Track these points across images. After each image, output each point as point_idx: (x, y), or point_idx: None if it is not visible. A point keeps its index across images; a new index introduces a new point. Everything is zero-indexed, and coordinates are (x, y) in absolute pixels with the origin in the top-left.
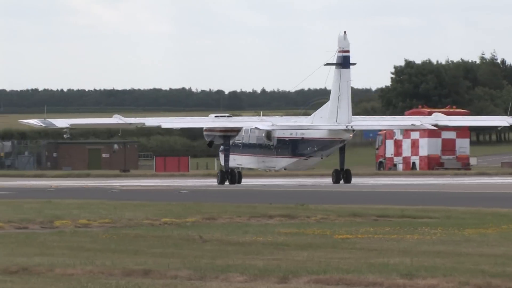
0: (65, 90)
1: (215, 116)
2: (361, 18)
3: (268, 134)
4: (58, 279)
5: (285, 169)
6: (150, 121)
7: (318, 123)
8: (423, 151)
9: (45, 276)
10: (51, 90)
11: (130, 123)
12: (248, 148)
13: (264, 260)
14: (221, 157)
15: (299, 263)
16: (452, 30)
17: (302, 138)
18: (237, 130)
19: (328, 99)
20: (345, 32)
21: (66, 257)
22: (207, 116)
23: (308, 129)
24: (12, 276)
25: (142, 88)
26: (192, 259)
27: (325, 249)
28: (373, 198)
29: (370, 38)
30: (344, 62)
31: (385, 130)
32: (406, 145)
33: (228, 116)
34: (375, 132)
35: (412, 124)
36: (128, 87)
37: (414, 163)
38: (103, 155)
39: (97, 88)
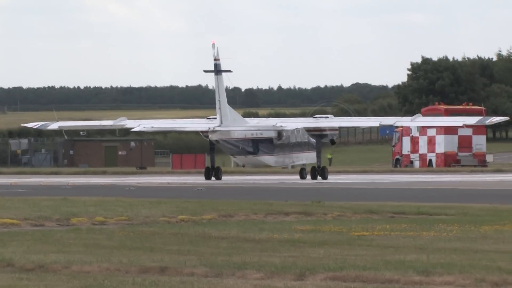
0: (81, 87)
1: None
2: (378, 15)
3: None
4: (75, 277)
5: None
6: (131, 123)
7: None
8: (440, 148)
9: (61, 273)
10: (68, 88)
11: (111, 125)
12: None
13: (280, 257)
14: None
15: (315, 260)
16: (469, 27)
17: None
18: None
19: (343, 97)
20: (213, 43)
21: (83, 255)
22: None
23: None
24: (28, 273)
25: (158, 86)
26: (208, 256)
27: (341, 246)
28: (390, 195)
29: (387, 35)
30: (216, 70)
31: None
32: (423, 142)
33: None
34: (392, 129)
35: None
36: (144, 85)
37: (430, 160)
38: (120, 153)
39: (114, 86)
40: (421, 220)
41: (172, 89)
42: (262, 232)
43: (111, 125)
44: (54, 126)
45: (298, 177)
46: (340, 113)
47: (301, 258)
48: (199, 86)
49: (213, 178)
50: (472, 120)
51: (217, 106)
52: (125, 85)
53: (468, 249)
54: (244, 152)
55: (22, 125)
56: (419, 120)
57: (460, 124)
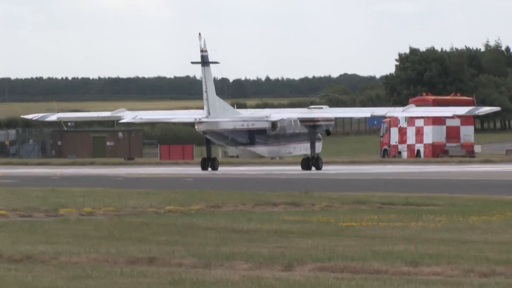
0: (69, 78)
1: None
2: (366, 5)
3: None
4: (63, 267)
5: None
6: (128, 114)
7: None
8: (428, 138)
9: (49, 264)
10: (56, 79)
11: (109, 116)
12: None
13: (268, 248)
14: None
15: (303, 251)
16: (456, 18)
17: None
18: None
19: (331, 87)
20: (200, 33)
21: (71, 245)
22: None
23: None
24: (16, 264)
25: (146, 76)
26: (196, 247)
27: (329, 236)
28: (378, 186)
29: (375, 26)
30: (204, 61)
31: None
32: (411, 132)
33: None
34: (380, 120)
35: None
36: (132, 75)
37: (418, 151)
38: (108, 143)
39: (102, 76)
40: (409, 210)
41: (160, 79)
42: (250, 223)
43: (109, 116)
44: (53, 117)
45: (296, 167)
46: (329, 103)
47: (289, 248)
48: (187, 77)
49: (209, 168)
50: (462, 110)
51: (204, 97)
52: (113, 75)
53: (456, 239)
54: (234, 143)
55: (22, 116)
56: (411, 111)
57: (450, 114)
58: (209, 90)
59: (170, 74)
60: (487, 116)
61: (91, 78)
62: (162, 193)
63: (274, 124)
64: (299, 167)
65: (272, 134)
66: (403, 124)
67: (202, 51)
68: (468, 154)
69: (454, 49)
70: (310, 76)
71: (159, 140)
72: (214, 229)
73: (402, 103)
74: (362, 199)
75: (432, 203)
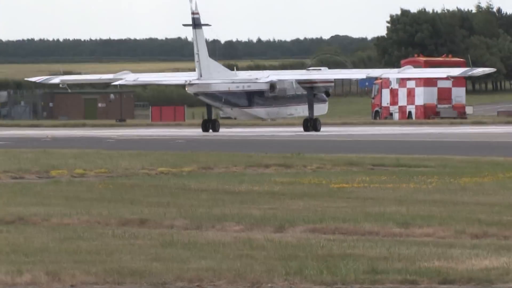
0: (60, 40)
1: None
2: None
3: None
4: (54, 229)
5: None
6: (130, 76)
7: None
8: (419, 100)
9: (41, 226)
10: (47, 40)
11: (110, 79)
12: None
13: (260, 210)
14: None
15: (295, 212)
16: None
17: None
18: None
19: (322, 48)
20: None
21: (62, 207)
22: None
23: None
24: (8, 225)
25: (138, 38)
26: (188, 209)
27: (321, 198)
28: (369, 147)
29: None
30: (195, 24)
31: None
32: (402, 94)
33: None
34: (371, 81)
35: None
36: (124, 37)
37: (410, 112)
38: (99, 105)
39: (93, 38)
40: (401, 172)
41: (152, 41)
42: (242, 184)
43: (111, 79)
44: (56, 80)
45: (299, 128)
46: (320, 64)
47: (281, 210)
48: (179, 38)
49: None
50: (457, 71)
51: (196, 59)
52: (105, 37)
53: (447, 201)
54: (230, 104)
55: (25, 79)
56: (406, 72)
57: (445, 75)
58: (201, 52)
59: (161, 36)
60: (478, 78)
61: (82, 39)
62: (153, 154)
63: (272, 85)
64: (301, 128)
65: (271, 95)
66: (394, 85)
67: (193, 13)
68: (460, 115)
69: (446, 11)
70: (302, 38)
71: (151, 101)
72: (205, 191)
73: (394, 64)
74: (353, 160)
75: (423, 164)
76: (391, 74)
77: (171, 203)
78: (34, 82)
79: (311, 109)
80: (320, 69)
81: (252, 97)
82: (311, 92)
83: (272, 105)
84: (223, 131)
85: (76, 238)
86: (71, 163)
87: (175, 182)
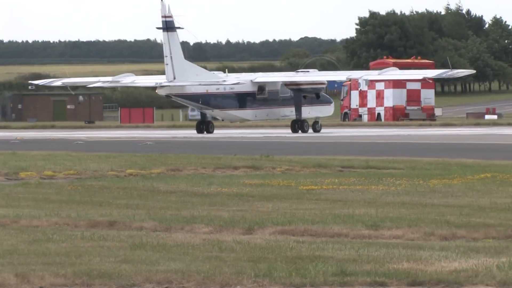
0: (30, 41)
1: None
2: None
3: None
4: (23, 231)
5: None
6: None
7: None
8: (388, 102)
9: (10, 227)
10: (16, 42)
11: (110, 81)
12: None
13: (229, 211)
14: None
15: (264, 214)
16: None
17: None
18: None
19: (291, 50)
20: (161, 0)
21: (31, 209)
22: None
23: None
24: None
25: (106, 40)
26: (157, 211)
27: (290, 200)
28: (338, 149)
29: None
30: (168, 27)
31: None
32: (371, 96)
33: None
34: (340, 83)
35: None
36: (92, 39)
37: (379, 114)
38: (68, 107)
39: (62, 40)
40: (370, 174)
41: (121, 43)
42: (211, 186)
43: (110, 81)
44: (58, 82)
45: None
46: (289, 66)
47: (250, 212)
48: (148, 40)
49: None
50: (434, 73)
51: (165, 62)
52: (73, 39)
53: (416, 203)
54: (208, 106)
55: (29, 81)
56: (387, 74)
57: (421, 77)
58: (176, 54)
59: (130, 37)
60: (447, 79)
61: (51, 41)
62: (122, 156)
63: (261, 87)
64: (289, 130)
65: (260, 97)
66: (363, 87)
67: (165, 16)
68: (429, 117)
69: (414, 12)
70: (271, 40)
71: (120, 103)
72: (174, 193)
73: (362, 66)
74: (322, 162)
75: (392, 166)
76: (372, 76)
77: (140, 205)
78: (3, 84)
79: (298, 111)
80: (308, 71)
81: (235, 99)
82: (298, 94)
83: (261, 107)
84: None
85: (45, 240)
86: (40, 165)
87: (144, 184)
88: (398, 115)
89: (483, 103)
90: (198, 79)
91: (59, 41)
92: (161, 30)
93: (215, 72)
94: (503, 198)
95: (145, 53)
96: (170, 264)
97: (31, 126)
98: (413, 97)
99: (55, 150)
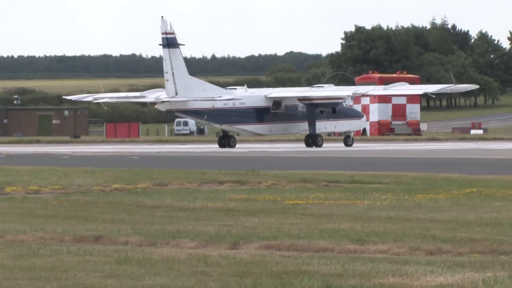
0: (15, 56)
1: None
2: None
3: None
4: (9, 246)
5: None
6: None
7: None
8: (374, 116)
9: None
10: (1, 57)
11: (136, 96)
12: None
13: (214, 226)
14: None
15: (249, 229)
16: None
17: None
18: None
19: (277, 65)
20: (162, 17)
21: (17, 224)
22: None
23: None
24: None
25: (92, 54)
26: (142, 225)
27: (275, 214)
28: (324, 164)
29: (321, 4)
30: (170, 43)
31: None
32: None
33: None
34: None
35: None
36: (78, 53)
37: (364, 129)
38: (54, 121)
39: (47, 54)
40: (355, 188)
41: (106, 57)
42: (197, 201)
43: (136, 96)
44: (90, 98)
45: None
46: (275, 82)
47: (236, 227)
48: (133, 55)
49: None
50: (435, 87)
51: (166, 78)
52: (59, 54)
53: (402, 217)
54: (215, 121)
55: (63, 97)
56: (392, 89)
57: (421, 92)
58: (179, 70)
59: (116, 52)
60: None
61: (37, 56)
62: (108, 171)
63: (276, 102)
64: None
65: (275, 112)
66: (349, 102)
67: (166, 33)
68: (414, 132)
69: (400, 27)
70: (256, 54)
71: (105, 118)
72: (160, 207)
73: (348, 81)
74: (308, 177)
75: (378, 181)
76: (378, 90)
77: (125, 220)
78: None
79: (311, 125)
80: (322, 86)
81: (247, 114)
82: (311, 108)
83: (276, 122)
84: (180, 147)
85: (30, 255)
86: (25, 180)
87: (130, 199)
88: (383, 130)
89: (469, 117)
90: (205, 94)
91: (45, 56)
92: (162, 47)
93: (232, 88)
94: (488, 213)
95: (130, 68)
96: (156, 279)
97: (17, 141)
98: (399, 112)
99: (41, 165)
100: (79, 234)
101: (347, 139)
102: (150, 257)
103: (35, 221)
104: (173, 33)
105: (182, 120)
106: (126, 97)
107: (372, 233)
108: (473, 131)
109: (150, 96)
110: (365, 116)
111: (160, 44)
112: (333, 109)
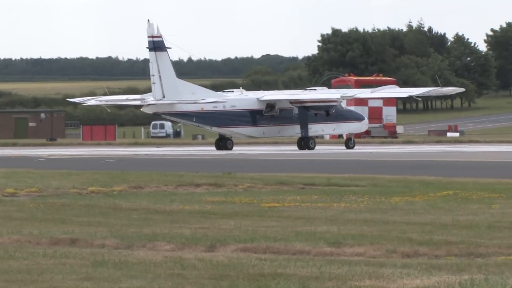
0: None
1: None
2: None
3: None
4: None
5: None
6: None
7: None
8: None
9: None
10: None
11: (137, 99)
12: None
13: (191, 229)
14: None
15: (226, 232)
16: None
17: None
18: None
19: (253, 68)
20: (148, 20)
21: None
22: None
23: None
24: None
25: (68, 57)
26: (119, 228)
27: (252, 217)
28: (300, 167)
29: (297, 6)
30: (156, 46)
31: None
32: None
33: None
34: None
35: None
36: (54, 56)
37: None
38: (30, 124)
39: (24, 57)
40: (332, 191)
41: (82, 60)
42: (173, 204)
43: (137, 99)
44: (93, 101)
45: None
46: (251, 84)
47: (212, 229)
48: (109, 57)
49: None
50: (420, 90)
51: (152, 81)
52: (35, 56)
53: (378, 220)
54: (204, 124)
55: (67, 99)
56: (380, 92)
57: (407, 95)
58: (166, 73)
59: (92, 55)
60: (409, 97)
61: (13, 59)
62: (84, 174)
63: (270, 105)
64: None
65: (269, 115)
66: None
67: (153, 36)
68: (391, 134)
69: (376, 30)
70: (233, 57)
71: (81, 121)
72: (136, 210)
73: (324, 83)
74: (284, 180)
75: (354, 183)
76: (365, 94)
77: (102, 223)
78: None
79: (303, 128)
80: (315, 89)
81: (238, 116)
82: (303, 111)
83: (270, 124)
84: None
85: (7, 258)
86: (1, 183)
87: (106, 202)
88: (359, 133)
89: (445, 120)
90: (193, 97)
91: (21, 59)
92: (148, 50)
93: (229, 90)
94: (465, 216)
95: (106, 71)
96: (132, 281)
97: None
98: (375, 114)
99: (17, 167)
100: (56, 236)
101: (348, 142)
102: (127, 260)
103: (11, 224)
104: (160, 36)
105: (158, 122)
106: (126, 99)
107: (349, 236)
108: (449, 134)
109: (151, 99)
110: (366, 118)
111: (146, 47)
112: (327, 111)
